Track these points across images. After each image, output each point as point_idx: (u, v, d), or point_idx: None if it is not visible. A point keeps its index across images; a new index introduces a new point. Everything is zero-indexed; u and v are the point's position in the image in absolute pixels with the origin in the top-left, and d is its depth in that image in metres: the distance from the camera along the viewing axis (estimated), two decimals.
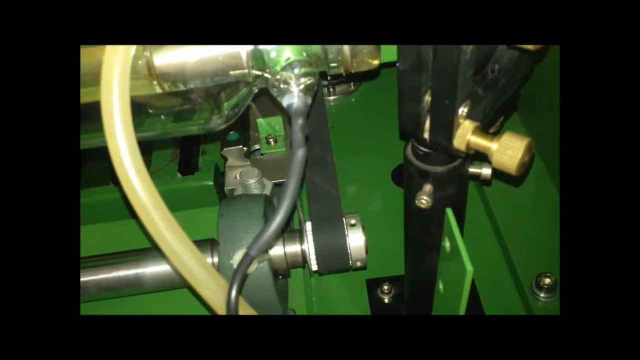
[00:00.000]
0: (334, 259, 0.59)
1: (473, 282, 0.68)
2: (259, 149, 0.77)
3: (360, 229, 0.59)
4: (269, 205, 0.60)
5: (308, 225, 0.59)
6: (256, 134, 0.77)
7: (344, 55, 0.42)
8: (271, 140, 0.77)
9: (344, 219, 0.59)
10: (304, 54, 0.41)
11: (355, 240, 0.58)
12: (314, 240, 0.58)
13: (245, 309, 0.42)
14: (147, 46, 0.41)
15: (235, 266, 0.47)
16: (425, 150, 0.42)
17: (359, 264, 0.59)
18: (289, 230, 0.60)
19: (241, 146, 0.73)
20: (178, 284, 0.59)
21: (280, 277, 0.59)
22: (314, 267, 0.59)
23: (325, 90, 0.96)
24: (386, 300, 0.67)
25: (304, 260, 0.59)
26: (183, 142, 0.88)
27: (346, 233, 0.58)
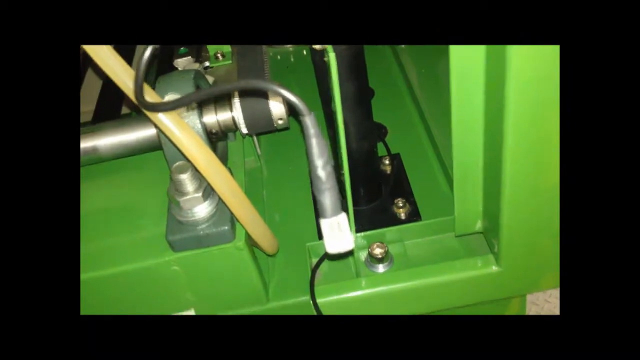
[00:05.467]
0: (259, 121, 0.70)
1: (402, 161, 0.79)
2: (209, 67, 0.88)
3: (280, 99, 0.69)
4: (201, 79, 0.71)
5: (236, 95, 0.70)
6: (207, 54, 0.89)
7: None
8: (219, 55, 0.88)
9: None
10: None
11: (276, 104, 0.69)
12: (241, 107, 0.69)
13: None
14: None
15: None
16: None
17: (280, 122, 0.70)
18: (220, 101, 0.71)
19: (189, 57, 0.85)
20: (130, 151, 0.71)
21: (216, 138, 0.70)
22: (244, 130, 0.70)
23: None
24: None
25: (235, 125, 0.70)
26: None
27: (268, 100, 0.69)
